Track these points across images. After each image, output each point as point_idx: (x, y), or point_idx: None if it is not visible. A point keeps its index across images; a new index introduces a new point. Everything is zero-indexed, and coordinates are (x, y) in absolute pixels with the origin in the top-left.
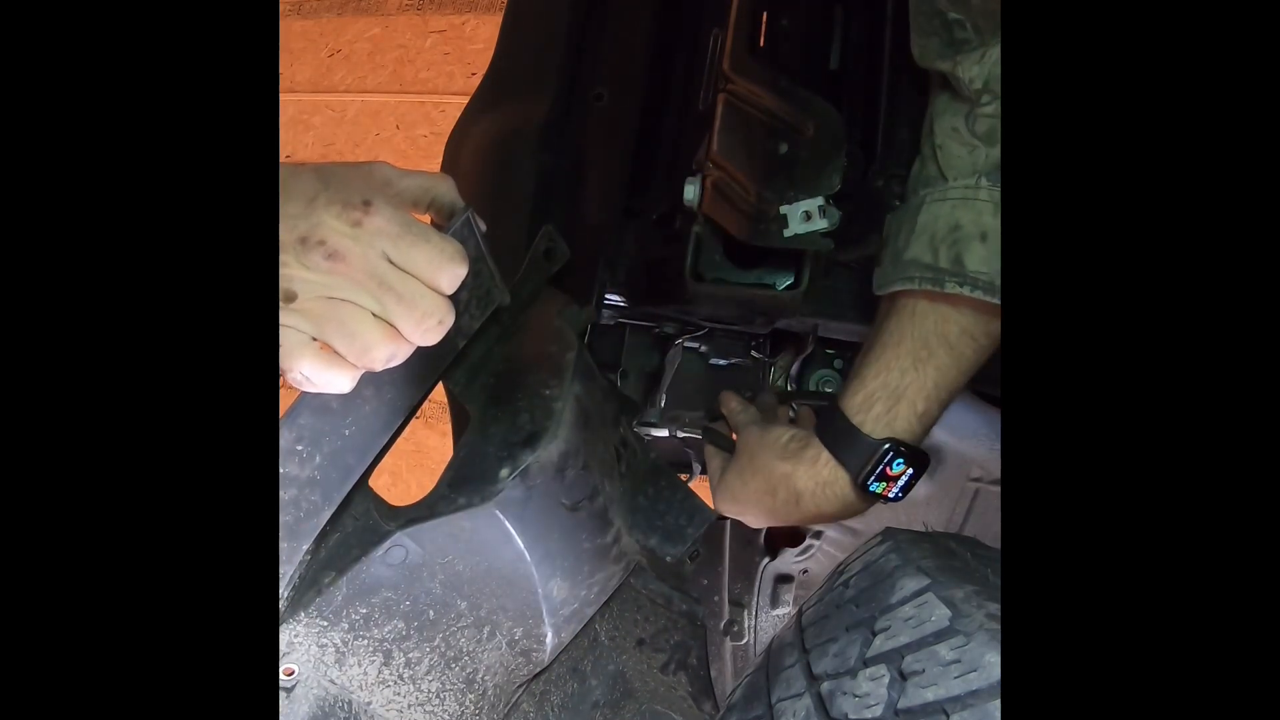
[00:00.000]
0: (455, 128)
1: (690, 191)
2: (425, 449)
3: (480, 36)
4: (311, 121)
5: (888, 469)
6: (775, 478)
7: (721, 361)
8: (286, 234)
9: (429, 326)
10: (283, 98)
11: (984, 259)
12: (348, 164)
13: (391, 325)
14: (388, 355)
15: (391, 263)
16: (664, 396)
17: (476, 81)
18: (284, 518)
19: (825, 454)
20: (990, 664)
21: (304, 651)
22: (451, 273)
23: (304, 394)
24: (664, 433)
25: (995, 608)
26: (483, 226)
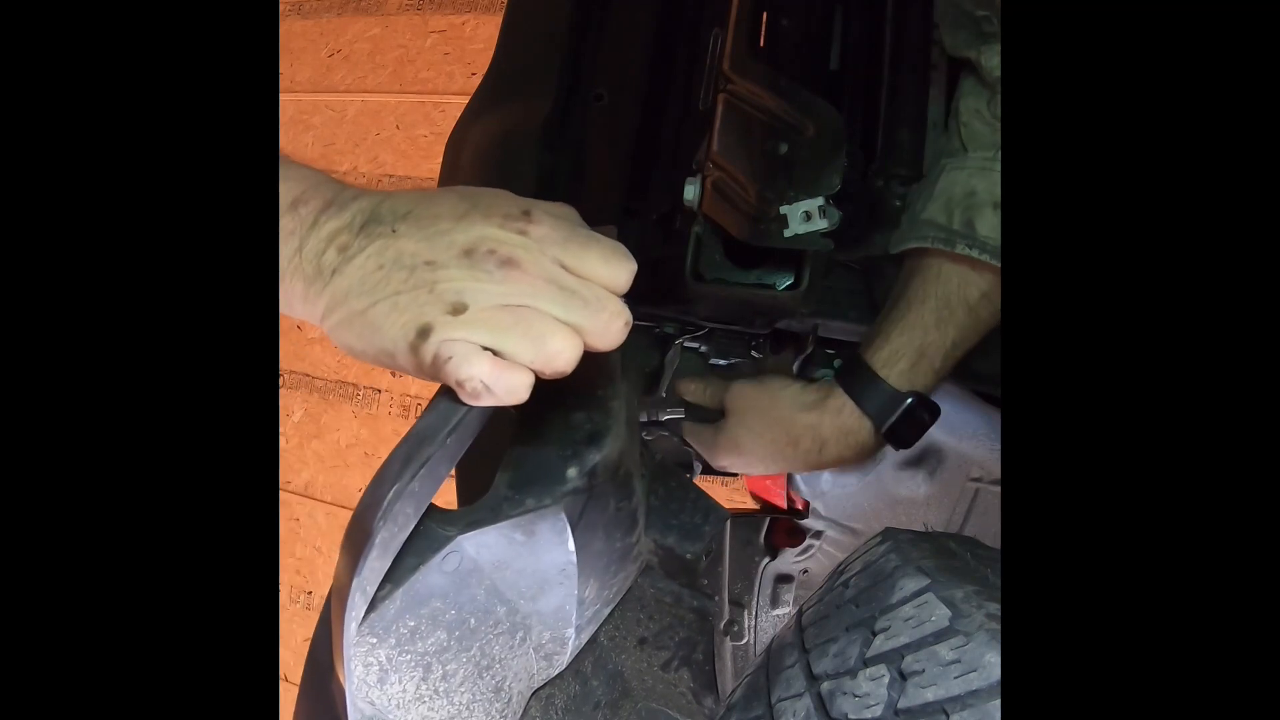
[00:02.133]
0: (455, 128)
1: (690, 191)
2: None
3: (480, 36)
4: (311, 121)
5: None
6: (799, 428)
7: (721, 361)
8: (444, 251)
9: (617, 328)
10: (283, 98)
11: (994, 226)
12: (479, 188)
13: (575, 329)
14: (573, 359)
15: (565, 268)
16: (663, 396)
17: (476, 81)
18: (383, 534)
19: (850, 404)
20: (990, 664)
21: (349, 673)
22: (628, 270)
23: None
24: (644, 418)
25: (995, 608)
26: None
